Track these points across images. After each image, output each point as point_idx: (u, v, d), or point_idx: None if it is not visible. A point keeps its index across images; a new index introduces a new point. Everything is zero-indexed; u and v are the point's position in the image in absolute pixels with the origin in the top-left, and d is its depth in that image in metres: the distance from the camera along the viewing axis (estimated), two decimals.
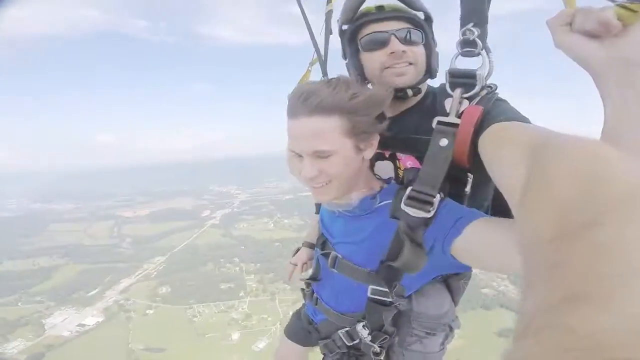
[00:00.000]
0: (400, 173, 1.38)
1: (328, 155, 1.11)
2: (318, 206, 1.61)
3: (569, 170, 0.41)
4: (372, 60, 1.32)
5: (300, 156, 1.15)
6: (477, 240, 0.99)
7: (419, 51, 1.31)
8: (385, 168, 1.40)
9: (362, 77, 1.35)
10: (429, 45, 1.33)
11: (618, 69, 0.71)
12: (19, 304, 57.45)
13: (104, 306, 57.15)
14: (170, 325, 51.34)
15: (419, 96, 1.39)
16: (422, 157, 1.12)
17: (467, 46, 1.09)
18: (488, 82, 1.14)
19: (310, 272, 1.65)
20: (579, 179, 0.38)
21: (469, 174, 1.16)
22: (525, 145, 0.70)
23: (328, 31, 1.66)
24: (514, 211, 0.67)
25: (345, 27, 1.36)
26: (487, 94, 1.11)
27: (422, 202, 1.03)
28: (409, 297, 1.38)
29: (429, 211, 1.01)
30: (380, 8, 1.31)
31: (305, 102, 1.08)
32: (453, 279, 1.48)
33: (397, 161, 1.39)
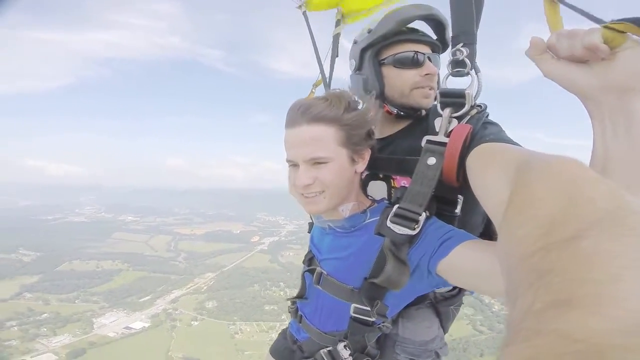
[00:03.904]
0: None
1: (325, 162, 1.12)
2: (311, 225, 1.55)
3: (552, 189, 0.43)
4: (401, 78, 1.34)
5: (296, 166, 1.16)
6: (464, 263, 0.96)
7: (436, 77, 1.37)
8: (379, 188, 1.40)
9: (381, 91, 1.37)
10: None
11: (610, 96, 0.70)
12: (76, 301, 61.17)
13: (153, 313, 59.01)
14: (212, 339, 51.90)
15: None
16: None
17: (457, 66, 1.11)
18: (478, 101, 1.15)
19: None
20: (562, 198, 0.40)
21: (459, 196, 1.16)
22: (509, 166, 0.70)
23: (335, 54, 1.73)
24: (497, 228, 0.66)
25: (373, 39, 1.34)
26: (477, 113, 1.13)
27: (407, 219, 1.04)
28: (395, 321, 1.37)
29: (414, 228, 1.02)
30: (414, 30, 1.37)
31: (305, 113, 1.11)
32: (442, 304, 1.44)
33: (393, 181, 1.39)
